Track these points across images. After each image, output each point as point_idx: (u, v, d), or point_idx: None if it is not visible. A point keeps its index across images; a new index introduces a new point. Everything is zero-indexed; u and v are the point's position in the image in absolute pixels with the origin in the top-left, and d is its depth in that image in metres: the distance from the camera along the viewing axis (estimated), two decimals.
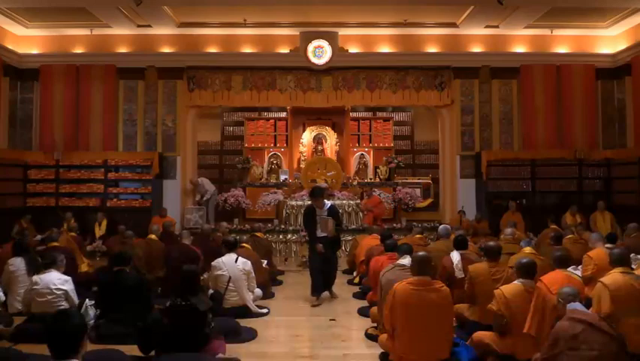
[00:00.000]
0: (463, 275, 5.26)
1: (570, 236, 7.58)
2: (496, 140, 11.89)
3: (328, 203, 7.05)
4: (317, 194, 6.99)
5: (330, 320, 5.89)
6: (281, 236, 10.81)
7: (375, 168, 13.27)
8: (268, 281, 7.30)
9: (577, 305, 3.33)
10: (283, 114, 13.93)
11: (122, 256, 5.35)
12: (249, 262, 6.09)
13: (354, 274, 8.22)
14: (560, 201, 11.20)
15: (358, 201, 11.01)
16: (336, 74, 11.88)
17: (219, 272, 5.94)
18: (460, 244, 5.73)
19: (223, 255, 6.08)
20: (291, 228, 10.71)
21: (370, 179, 13.00)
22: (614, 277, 4.11)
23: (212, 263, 6.04)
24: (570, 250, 5.53)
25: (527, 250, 5.83)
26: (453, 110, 12.02)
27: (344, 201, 11.04)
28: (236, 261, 5.99)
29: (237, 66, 11.79)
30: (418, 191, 12.79)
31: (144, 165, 11.50)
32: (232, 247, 6.16)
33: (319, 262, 6.79)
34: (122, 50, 11.79)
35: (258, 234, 8.75)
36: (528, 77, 11.81)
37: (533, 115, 11.75)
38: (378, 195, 11.35)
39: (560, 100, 11.80)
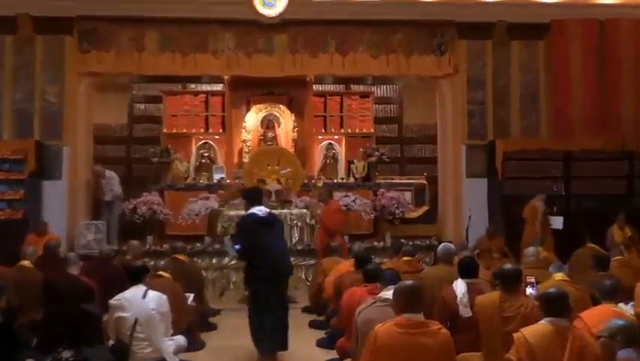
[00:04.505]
0: (470, 314, 5.27)
1: (618, 258, 7.72)
2: (515, 124, 12.06)
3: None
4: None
5: None
6: (215, 260, 10.74)
7: (349, 162, 13.27)
8: (196, 325, 7.24)
9: (631, 353, 3.36)
10: (219, 87, 13.80)
11: None
12: (164, 298, 5.98)
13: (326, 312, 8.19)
14: (604, 209, 11.38)
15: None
16: (294, 30, 11.85)
17: (121, 313, 5.79)
18: (466, 270, 5.74)
19: (127, 288, 5.95)
20: (226, 248, 10.60)
21: (342, 178, 12.99)
22: None
23: (111, 302, 5.89)
24: (620, 278, 5.63)
25: (558, 276, 5.89)
26: (457, 82, 12.14)
27: (304, 210, 11.06)
28: (144, 296, 5.86)
29: (153, 17, 11.67)
30: (407, 195, 12.84)
31: (13, 160, 11.25)
32: (138, 276, 6.04)
33: (265, 304, 6.47)
34: None
35: (182, 257, 8.64)
36: (560, 37, 12.00)
37: (567, 89, 11.97)
38: (352, 201, 11.33)
39: (605, 69, 12.03)
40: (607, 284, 4.89)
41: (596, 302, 4.95)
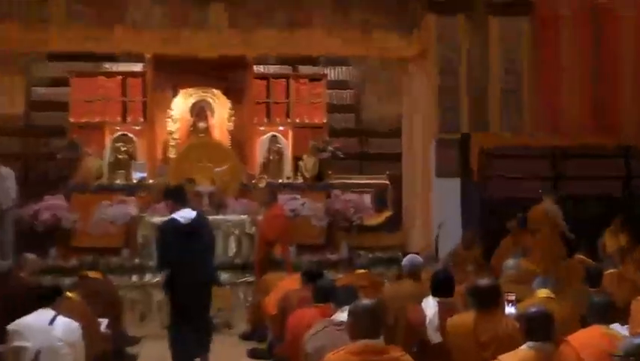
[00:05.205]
0: (440, 339, 5.33)
1: (612, 271, 7.89)
2: (495, 116, 12.18)
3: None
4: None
5: None
6: (134, 277, 10.69)
7: (297, 159, 13.26)
8: (111, 356, 7.20)
9: None
10: (138, 67, 13.73)
11: None
12: (76, 325, 5.92)
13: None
14: (597, 213, 11.61)
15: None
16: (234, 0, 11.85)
17: (20, 343, 5.71)
18: (440, 286, 5.79)
19: (30, 312, 5.88)
20: (151, 263, 10.51)
21: (288, 178, 13.00)
22: None
23: (9, 328, 5.82)
24: (614, 294, 5.75)
25: (542, 293, 6.02)
26: (426, 65, 12.25)
27: (243, 216, 11.04)
28: (51, 323, 5.80)
29: None
30: (367, 198, 12.91)
31: None
32: (47, 298, 5.98)
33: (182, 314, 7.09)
34: None
35: (93, 274, 8.56)
36: (547, 16, 12.18)
37: (556, 77, 12.15)
38: (301, 205, 11.35)
39: (599, 54, 12.27)
40: (598, 302, 4.97)
41: (586, 323, 5.03)
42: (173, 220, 7.28)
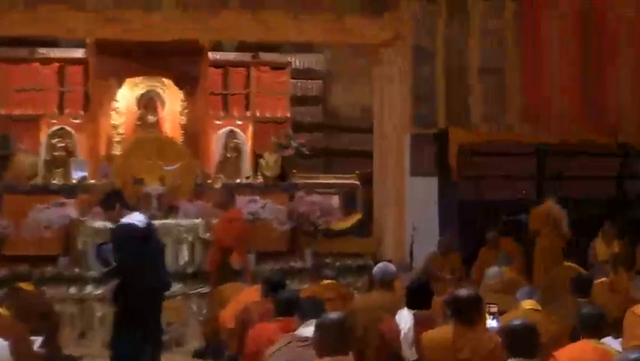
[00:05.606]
0: (416, 356, 5.35)
1: (603, 280, 7.97)
2: (476, 109, 12.24)
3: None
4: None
5: None
6: (73, 289, 10.60)
7: (257, 157, 13.25)
8: None
9: None
10: (79, 53, 13.59)
11: None
12: (4, 344, 5.86)
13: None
14: (587, 217, 11.72)
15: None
16: None
17: None
18: (415, 298, 5.81)
19: None
20: (91, 272, 10.43)
21: (247, 177, 12.99)
22: None
23: None
24: (605, 305, 5.80)
25: (527, 304, 6.05)
26: (400, 52, 12.28)
27: (197, 220, 11.02)
28: None
29: None
30: (334, 200, 12.93)
31: None
32: None
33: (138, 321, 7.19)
34: None
35: (25, 286, 8.49)
36: (536, 1, 12.31)
37: (544, 67, 12.27)
38: (261, 208, 11.34)
39: (592, 42, 12.40)
40: (589, 314, 5.01)
41: (575, 337, 5.08)
42: (131, 224, 7.40)
